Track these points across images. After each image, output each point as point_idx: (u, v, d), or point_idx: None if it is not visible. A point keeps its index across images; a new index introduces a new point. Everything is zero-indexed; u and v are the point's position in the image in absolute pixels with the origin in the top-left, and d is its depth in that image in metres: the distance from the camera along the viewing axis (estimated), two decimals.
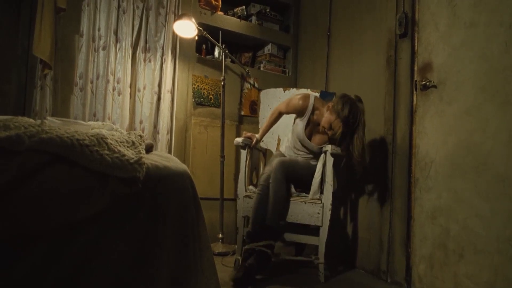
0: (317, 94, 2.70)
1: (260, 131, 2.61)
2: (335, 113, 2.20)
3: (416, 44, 2.21)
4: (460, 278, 1.83)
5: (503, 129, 1.70)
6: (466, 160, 1.86)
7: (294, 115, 2.52)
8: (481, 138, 1.80)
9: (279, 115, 2.54)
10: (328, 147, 2.21)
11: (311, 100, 2.42)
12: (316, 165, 2.35)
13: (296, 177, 2.33)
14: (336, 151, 2.21)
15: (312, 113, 2.43)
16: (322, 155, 2.30)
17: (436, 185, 2.01)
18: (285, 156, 2.53)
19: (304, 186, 2.37)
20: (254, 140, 2.45)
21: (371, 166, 2.46)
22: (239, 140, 2.42)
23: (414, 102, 2.19)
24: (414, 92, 2.19)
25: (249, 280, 2.04)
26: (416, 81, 2.17)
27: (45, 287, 0.93)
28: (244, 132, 2.50)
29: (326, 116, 2.27)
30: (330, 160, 2.22)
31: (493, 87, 1.76)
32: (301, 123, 2.44)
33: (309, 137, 2.46)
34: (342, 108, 2.17)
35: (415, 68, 2.20)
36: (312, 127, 2.46)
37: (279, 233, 2.24)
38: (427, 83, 2.08)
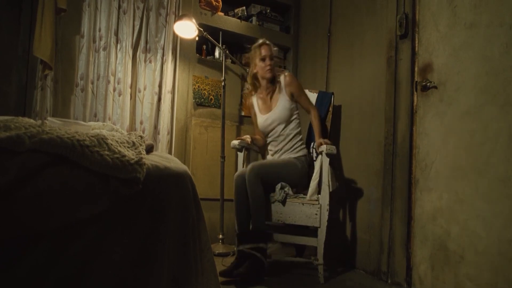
0: (315, 95, 2.72)
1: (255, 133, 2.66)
2: (252, 53, 2.49)
3: (416, 44, 2.21)
4: (460, 279, 1.83)
5: (504, 130, 1.70)
6: (467, 161, 1.85)
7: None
8: (482, 139, 1.79)
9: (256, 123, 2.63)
10: (323, 147, 2.20)
11: (252, 96, 2.62)
12: (298, 158, 2.42)
13: (272, 175, 2.30)
14: (331, 151, 2.20)
15: (255, 100, 2.58)
16: (319, 156, 2.29)
17: (436, 186, 2.00)
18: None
19: (292, 184, 2.33)
20: (250, 138, 2.46)
21: (371, 167, 2.46)
22: (235, 142, 2.45)
23: (415, 103, 2.19)
24: (415, 92, 2.19)
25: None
26: (416, 81, 2.17)
27: (47, 286, 0.93)
28: (238, 138, 2.52)
29: (257, 65, 2.48)
30: (326, 161, 2.21)
31: (494, 88, 1.76)
32: (259, 115, 2.53)
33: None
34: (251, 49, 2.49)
35: (416, 68, 2.20)
36: (265, 106, 2.53)
37: (268, 235, 2.23)
38: (428, 84, 2.08)
